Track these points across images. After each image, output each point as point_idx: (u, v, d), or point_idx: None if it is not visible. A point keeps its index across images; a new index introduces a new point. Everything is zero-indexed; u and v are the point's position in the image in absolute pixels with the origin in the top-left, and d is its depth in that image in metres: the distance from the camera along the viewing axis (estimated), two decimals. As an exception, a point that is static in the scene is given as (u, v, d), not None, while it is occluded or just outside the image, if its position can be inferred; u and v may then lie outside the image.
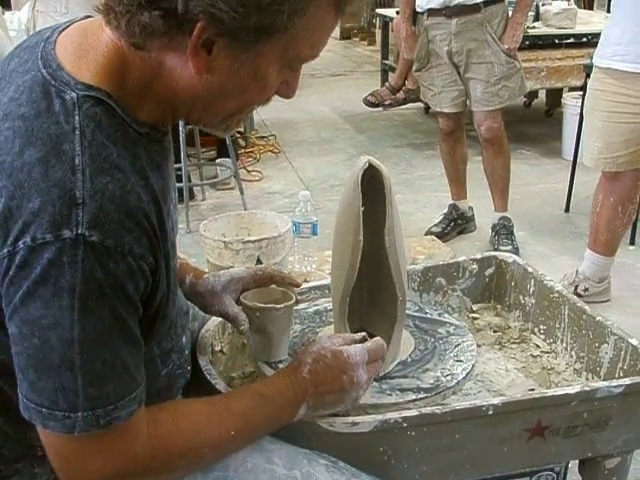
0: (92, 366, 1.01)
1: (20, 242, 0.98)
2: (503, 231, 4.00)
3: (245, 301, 1.48)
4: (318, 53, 1.13)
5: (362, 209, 1.37)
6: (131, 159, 1.06)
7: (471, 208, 4.29)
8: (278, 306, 1.47)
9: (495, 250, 3.71)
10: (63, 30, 1.14)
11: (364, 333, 1.37)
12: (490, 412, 1.32)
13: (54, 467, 1.10)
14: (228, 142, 4.46)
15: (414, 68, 4.11)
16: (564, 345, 1.69)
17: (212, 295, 1.50)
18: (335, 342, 1.31)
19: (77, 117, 1.02)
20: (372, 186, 1.40)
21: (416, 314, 1.68)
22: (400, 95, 6.26)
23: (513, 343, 1.76)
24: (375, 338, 1.35)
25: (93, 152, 1.01)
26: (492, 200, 4.08)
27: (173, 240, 1.18)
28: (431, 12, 3.82)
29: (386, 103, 6.29)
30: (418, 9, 3.90)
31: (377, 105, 6.28)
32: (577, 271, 3.48)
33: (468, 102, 3.98)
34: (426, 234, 3.96)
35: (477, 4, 3.71)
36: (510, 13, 3.81)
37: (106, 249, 0.98)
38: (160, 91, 1.09)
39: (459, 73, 3.88)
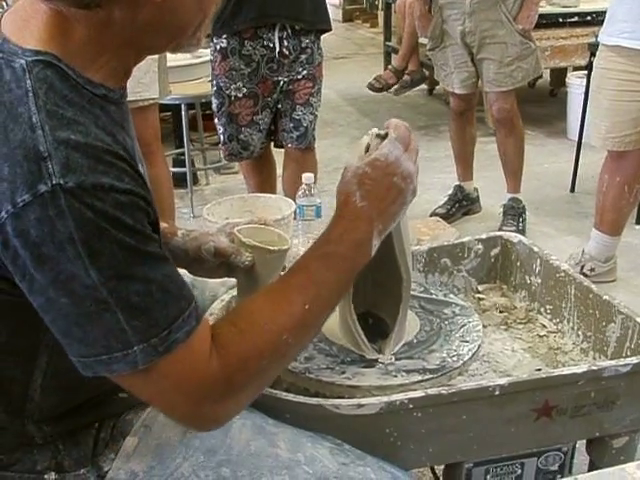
0: (127, 301, 0.99)
1: (2, 212, 0.96)
2: (510, 212, 3.99)
3: (239, 235, 1.42)
4: None
5: None
6: (91, 117, 1.04)
7: (476, 189, 4.28)
8: (272, 248, 1.41)
9: (499, 231, 3.69)
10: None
11: (378, 131, 1.28)
12: (497, 392, 1.32)
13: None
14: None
15: (427, 47, 4.08)
16: (571, 325, 1.68)
17: (207, 235, 1.47)
18: (363, 157, 1.24)
19: (28, 81, 1.01)
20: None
21: (421, 295, 1.67)
22: (407, 78, 6.21)
23: (519, 323, 1.76)
24: (392, 125, 1.27)
25: (49, 110, 0.99)
26: (505, 180, 4.07)
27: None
28: None
29: (396, 87, 6.23)
30: None
31: (382, 89, 6.22)
32: (583, 251, 3.47)
33: (480, 83, 3.95)
34: (431, 215, 3.95)
35: None
36: None
37: (85, 191, 0.96)
38: (114, 40, 1.07)
39: (471, 54, 3.85)
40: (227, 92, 3.28)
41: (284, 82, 3.26)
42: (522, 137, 3.99)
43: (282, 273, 1.33)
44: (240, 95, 3.27)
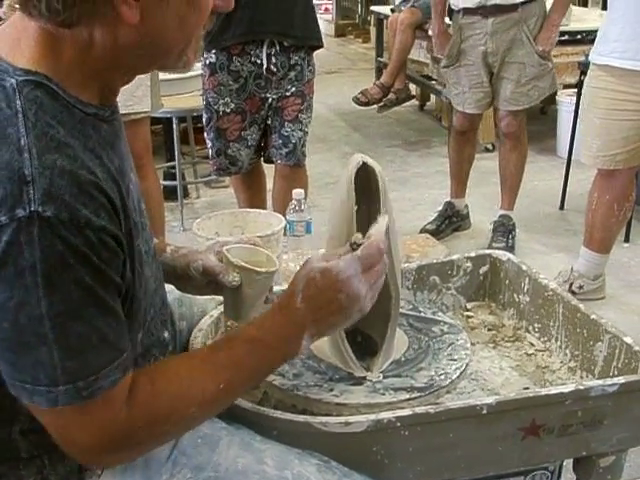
0: (66, 340, 1.01)
1: None
2: (500, 229, 4.00)
3: (228, 255, 1.42)
4: None
5: (355, 208, 1.36)
6: (81, 138, 1.05)
7: (467, 206, 4.28)
8: (259, 269, 1.41)
9: (488, 247, 3.70)
10: None
11: (356, 237, 1.28)
12: (484, 411, 1.32)
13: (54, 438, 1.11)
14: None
15: (442, 64, 4.07)
16: (558, 343, 1.69)
17: (196, 253, 1.48)
18: (324, 259, 1.24)
19: (18, 101, 1.02)
20: (366, 185, 1.39)
21: (410, 313, 1.67)
22: (391, 96, 6.21)
23: (507, 341, 1.76)
24: (368, 241, 1.25)
25: (38, 132, 1.01)
26: (500, 196, 4.08)
27: (137, 220, 1.17)
28: (466, 11, 3.78)
29: (380, 105, 6.22)
30: (452, 6, 3.89)
31: (367, 104, 6.21)
32: (572, 269, 3.48)
33: (496, 102, 3.94)
34: (420, 232, 3.96)
35: (515, 4, 3.67)
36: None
37: (62, 223, 0.98)
38: (99, 61, 1.09)
39: (491, 74, 3.85)
40: (215, 107, 3.28)
41: (272, 99, 3.25)
42: (525, 154, 4.01)
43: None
44: (228, 110, 3.27)
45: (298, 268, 1.27)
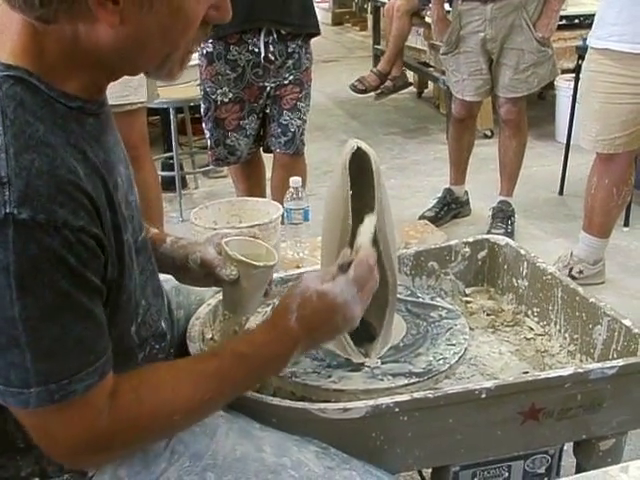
0: (39, 343, 1.01)
1: None
2: (499, 215, 3.99)
3: (226, 248, 1.42)
4: None
5: (350, 193, 1.36)
6: (63, 134, 1.04)
7: (466, 192, 4.27)
8: (257, 263, 1.41)
9: (487, 234, 3.68)
10: None
11: (347, 258, 1.30)
12: (483, 396, 1.31)
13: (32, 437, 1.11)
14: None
15: (441, 51, 4.05)
16: (558, 327, 1.68)
17: (194, 244, 1.48)
18: (320, 279, 1.28)
19: None
20: (361, 170, 1.39)
21: (408, 298, 1.67)
22: (389, 84, 6.18)
23: (507, 326, 1.75)
24: (357, 259, 1.29)
25: (16, 131, 1.00)
26: (499, 183, 4.07)
27: (126, 213, 1.16)
28: None
29: (377, 92, 6.19)
30: None
31: (365, 91, 6.19)
32: (571, 253, 3.48)
33: (495, 89, 3.92)
34: (419, 218, 3.94)
35: None
36: None
37: (38, 225, 0.97)
38: (83, 58, 1.07)
39: (490, 61, 3.83)
40: (213, 97, 3.26)
41: (271, 87, 3.24)
42: (525, 141, 3.99)
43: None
44: (226, 100, 3.25)
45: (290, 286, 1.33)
